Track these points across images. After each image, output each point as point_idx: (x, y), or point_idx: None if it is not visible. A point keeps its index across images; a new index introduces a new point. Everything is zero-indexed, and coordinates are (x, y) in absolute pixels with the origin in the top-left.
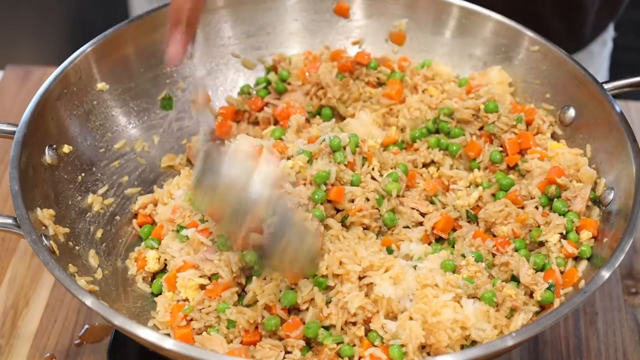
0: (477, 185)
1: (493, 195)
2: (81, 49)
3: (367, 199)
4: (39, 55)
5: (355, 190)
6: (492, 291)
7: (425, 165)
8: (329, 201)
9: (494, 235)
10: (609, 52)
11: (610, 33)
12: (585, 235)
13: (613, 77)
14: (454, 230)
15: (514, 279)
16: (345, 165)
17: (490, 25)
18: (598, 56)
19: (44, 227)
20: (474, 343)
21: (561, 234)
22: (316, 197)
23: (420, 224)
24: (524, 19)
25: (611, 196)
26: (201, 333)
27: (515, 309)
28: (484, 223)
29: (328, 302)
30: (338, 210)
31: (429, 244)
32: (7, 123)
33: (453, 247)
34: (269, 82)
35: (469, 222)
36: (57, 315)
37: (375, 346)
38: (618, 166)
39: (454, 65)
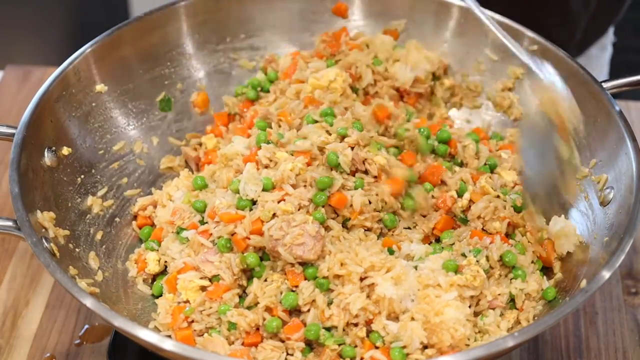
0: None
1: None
2: (80, 50)
3: (369, 202)
4: (39, 55)
5: (356, 193)
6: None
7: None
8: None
9: (490, 233)
10: (609, 57)
11: (610, 38)
12: None
13: (612, 78)
14: (454, 228)
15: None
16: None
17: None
18: (597, 60)
19: (44, 230)
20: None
21: None
22: (317, 200)
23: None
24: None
25: (611, 195)
26: (202, 335)
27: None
28: (481, 222)
29: (329, 304)
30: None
31: (429, 244)
32: (7, 125)
33: (450, 245)
34: (259, 83)
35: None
36: (57, 315)
37: (377, 347)
38: (618, 165)
39: (453, 65)
